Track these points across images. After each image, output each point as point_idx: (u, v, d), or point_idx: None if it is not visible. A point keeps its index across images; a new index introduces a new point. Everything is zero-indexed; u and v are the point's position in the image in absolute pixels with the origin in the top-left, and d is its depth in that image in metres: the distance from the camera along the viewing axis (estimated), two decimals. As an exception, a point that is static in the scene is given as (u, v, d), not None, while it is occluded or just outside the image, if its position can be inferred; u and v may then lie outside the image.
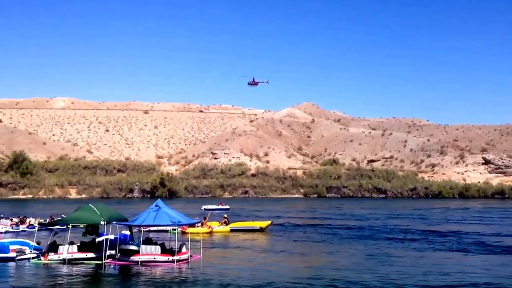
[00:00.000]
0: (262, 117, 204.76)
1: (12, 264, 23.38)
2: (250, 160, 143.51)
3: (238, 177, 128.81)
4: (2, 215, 43.31)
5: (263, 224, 40.69)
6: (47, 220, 36.44)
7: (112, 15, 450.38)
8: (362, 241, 33.57)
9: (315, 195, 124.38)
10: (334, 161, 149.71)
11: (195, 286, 19.41)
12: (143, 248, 23.03)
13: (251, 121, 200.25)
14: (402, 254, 27.78)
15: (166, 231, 27.03)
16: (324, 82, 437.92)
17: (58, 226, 26.78)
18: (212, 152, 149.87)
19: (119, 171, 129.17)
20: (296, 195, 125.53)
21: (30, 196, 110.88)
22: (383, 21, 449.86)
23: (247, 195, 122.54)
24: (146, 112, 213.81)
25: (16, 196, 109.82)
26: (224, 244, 32.84)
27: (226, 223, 40.51)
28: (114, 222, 24.17)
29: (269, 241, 34.90)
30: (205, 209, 62.34)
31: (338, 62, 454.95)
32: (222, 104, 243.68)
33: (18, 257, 23.96)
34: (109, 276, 21.64)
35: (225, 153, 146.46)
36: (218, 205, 69.40)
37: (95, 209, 24.05)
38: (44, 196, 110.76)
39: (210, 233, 37.79)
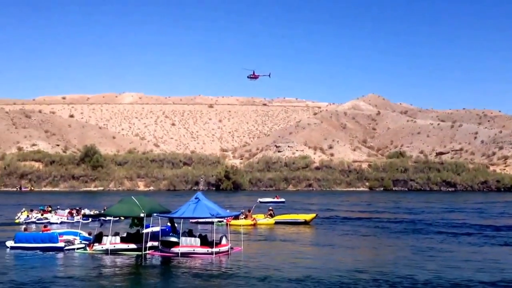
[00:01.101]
0: (326, 110, 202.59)
1: (60, 254, 24.06)
2: (314, 153, 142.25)
3: (302, 170, 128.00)
4: (59, 207, 45.04)
5: (308, 217, 40.08)
6: (101, 211, 37.25)
7: (177, 13, 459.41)
8: (412, 235, 32.22)
9: (381, 188, 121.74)
10: (401, 154, 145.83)
11: (233, 278, 19.09)
12: (183, 240, 23.23)
13: (315, 113, 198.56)
14: (454, 249, 26.44)
15: (212, 223, 27.27)
16: (390, 73, 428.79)
17: (109, 218, 27.11)
18: (276, 145, 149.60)
19: (185, 164, 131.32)
20: (361, 188, 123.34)
21: (101, 188, 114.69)
22: (451, 11, 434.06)
23: (311, 188, 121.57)
24: (210, 106, 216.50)
25: (88, 188, 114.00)
26: (267, 237, 32.39)
27: (271, 216, 40.19)
28: (154, 214, 24.35)
29: (313, 234, 34.37)
30: (260, 202, 62.31)
31: (404, 53, 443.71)
32: (286, 97, 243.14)
33: (67, 247, 24.67)
34: (148, 267, 21.87)
35: (289, 146, 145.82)
36: (274, 198, 68.98)
37: (136, 201, 24.30)
38: (114, 189, 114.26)
39: (254, 225, 37.59)
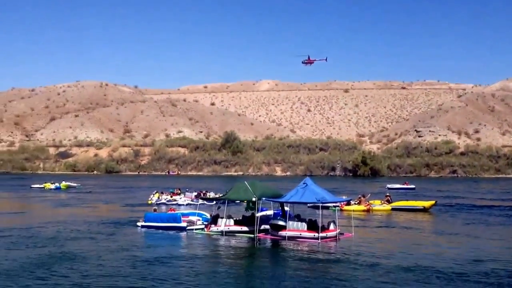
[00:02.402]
0: (472, 92, 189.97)
1: (183, 233, 25.57)
2: (459, 138, 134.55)
3: (445, 156, 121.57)
4: (187, 190, 47.89)
5: (427, 203, 38.12)
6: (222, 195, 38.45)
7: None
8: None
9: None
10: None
11: (340, 264, 18.57)
12: (290, 223, 23.49)
13: (459, 96, 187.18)
14: None
15: (326, 208, 28.31)
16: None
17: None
18: (416, 130, 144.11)
19: (321, 149, 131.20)
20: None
21: (241, 173, 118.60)
22: None
23: (455, 175, 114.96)
24: (346, 91, 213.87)
25: (228, 173, 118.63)
26: (381, 223, 31.23)
27: (389, 202, 38.97)
28: (263, 199, 24.95)
29: (431, 222, 32.53)
30: (388, 188, 60.85)
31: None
32: (426, 80, 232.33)
33: (188, 227, 26.12)
34: (258, 249, 22.22)
35: (430, 131, 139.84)
36: (403, 184, 66.80)
37: (248, 186, 25.03)
38: (253, 173, 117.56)
39: (368, 211, 36.76)
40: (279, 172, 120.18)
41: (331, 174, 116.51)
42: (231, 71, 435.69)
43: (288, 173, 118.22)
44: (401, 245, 22.57)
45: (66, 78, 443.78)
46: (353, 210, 31.92)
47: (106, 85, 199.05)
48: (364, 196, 38.88)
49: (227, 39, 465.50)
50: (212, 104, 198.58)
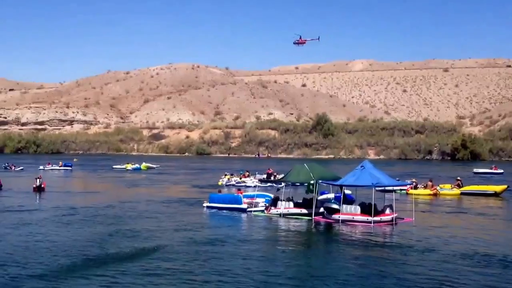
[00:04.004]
0: None
1: (243, 214, 25.97)
2: None
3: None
4: (257, 172, 48.06)
5: (498, 188, 36.31)
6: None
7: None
8: None
9: None
10: None
11: (394, 249, 17.84)
12: (344, 207, 23.59)
13: None
14: None
15: (394, 191, 28.41)
16: None
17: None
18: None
19: (417, 132, 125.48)
20: None
21: (332, 156, 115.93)
22: None
23: None
24: (446, 70, 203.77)
25: (319, 156, 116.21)
26: (447, 208, 29.57)
27: (459, 186, 36.99)
28: (320, 181, 24.91)
29: (501, 208, 30.73)
30: (475, 173, 58.25)
31: None
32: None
33: (249, 209, 26.55)
34: (312, 232, 22.43)
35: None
36: (490, 169, 62.26)
37: (307, 168, 25.30)
38: (344, 157, 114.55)
39: (435, 195, 35.42)
40: (372, 155, 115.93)
41: (428, 158, 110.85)
42: (323, 51, 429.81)
43: (381, 157, 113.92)
44: (463, 231, 21.54)
45: (159, 60, 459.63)
46: (418, 194, 31.71)
47: (198, 67, 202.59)
48: (430, 180, 37.76)
49: (318, 18, 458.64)
50: (303, 85, 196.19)
